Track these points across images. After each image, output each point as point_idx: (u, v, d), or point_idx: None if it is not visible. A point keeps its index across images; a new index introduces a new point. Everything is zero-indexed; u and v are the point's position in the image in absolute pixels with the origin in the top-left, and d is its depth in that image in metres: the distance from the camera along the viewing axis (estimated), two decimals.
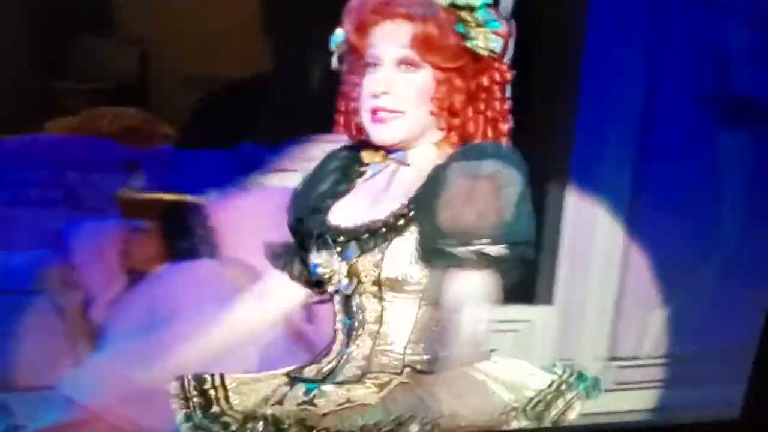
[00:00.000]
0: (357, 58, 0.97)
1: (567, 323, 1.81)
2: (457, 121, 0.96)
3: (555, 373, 1.00)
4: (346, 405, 0.94)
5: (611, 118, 1.80)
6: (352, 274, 0.95)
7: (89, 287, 1.04)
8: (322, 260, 0.98)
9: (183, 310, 1.31)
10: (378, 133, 0.96)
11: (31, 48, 1.35)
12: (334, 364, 0.99)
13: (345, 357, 0.98)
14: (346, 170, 1.03)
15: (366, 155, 1.00)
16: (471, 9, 0.95)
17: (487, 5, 0.96)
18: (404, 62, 0.94)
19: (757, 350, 1.49)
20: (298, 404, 0.94)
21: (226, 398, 0.97)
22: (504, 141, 0.99)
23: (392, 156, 0.98)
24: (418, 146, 0.98)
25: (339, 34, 0.99)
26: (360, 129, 1.00)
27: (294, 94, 1.11)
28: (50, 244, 1.39)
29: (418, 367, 0.96)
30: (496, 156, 0.95)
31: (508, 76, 0.98)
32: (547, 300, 1.81)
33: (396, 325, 0.97)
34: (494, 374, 0.96)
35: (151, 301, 1.41)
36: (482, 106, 0.97)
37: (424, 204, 0.94)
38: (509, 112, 0.99)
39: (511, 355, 1.01)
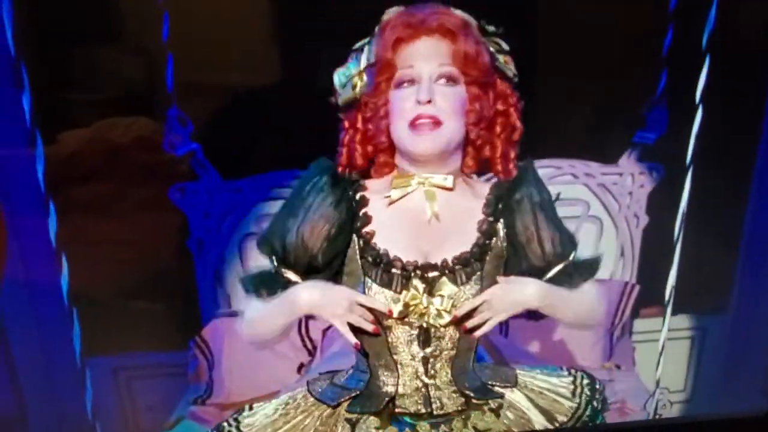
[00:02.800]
0: (384, 78, 0.95)
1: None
2: (481, 140, 0.98)
3: (568, 381, 1.09)
4: None
5: None
6: (444, 309, 0.96)
7: None
8: (409, 298, 0.95)
9: None
10: (420, 143, 0.94)
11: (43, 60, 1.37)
12: (422, 394, 0.99)
13: (431, 386, 1.00)
14: (350, 199, 0.99)
15: (396, 181, 0.98)
16: (494, 35, 0.97)
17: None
18: (443, 77, 0.94)
19: None
20: None
21: None
22: (512, 166, 1.00)
23: (434, 179, 0.97)
24: (447, 170, 0.98)
25: (350, 68, 0.97)
26: (367, 158, 0.99)
27: (302, 108, 1.14)
28: None
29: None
30: (534, 174, 1.02)
31: (520, 105, 0.99)
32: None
33: (465, 347, 1.00)
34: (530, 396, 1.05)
35: None
36: (498, 130, 0.99)
37: (520, 234, 0.98)
38: (520, 130, 0.99)
39: None
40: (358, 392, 1.01)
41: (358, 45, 0.98)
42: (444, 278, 0.96)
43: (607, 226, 1.69)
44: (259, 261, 1.01)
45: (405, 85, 0.94)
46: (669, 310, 1.70)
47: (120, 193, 1.47)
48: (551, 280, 1.00)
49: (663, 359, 1.72)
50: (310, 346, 1.62)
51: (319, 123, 1.03)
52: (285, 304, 0.97)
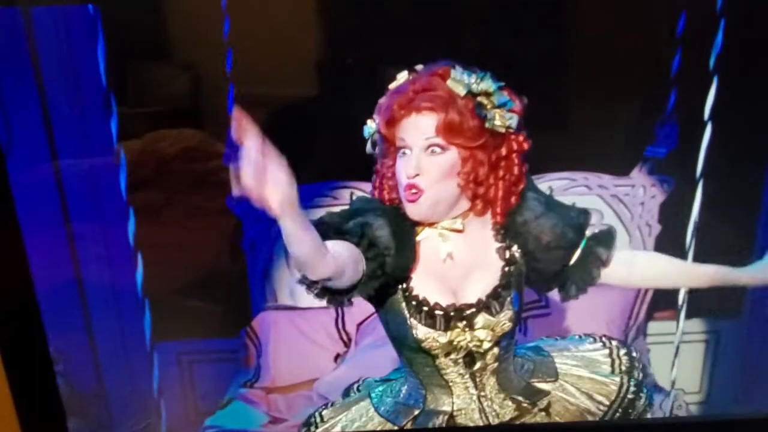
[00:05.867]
0: (389, 145, 1.07)
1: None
2: (481, 190, 1.05)
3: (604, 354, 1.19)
4: None
5: None
6: (486, 339, 1.06)
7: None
8: (453, 336, 1.06)
9: None
10: (413, 210, 1.05)
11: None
12: (477, 407, 1.10)
13: (483, 398, 1.10)
14: (400, 227, 1.06)
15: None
16: (487, 94, 1.04)
17: (500, 88, 1.04)
18: (432, 146, 1.02)
19: None
20: None
21: None
22: (515, 199, 1.08)
23: (445, 223, 1.06)
24: (454, 214, 1.06)
25: (371, 125, 1.08)
26: (392, 198, 1.09)
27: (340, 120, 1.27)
28: None
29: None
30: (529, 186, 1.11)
31: (526, 145, 1.06)
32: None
33: (505, 356, 1.12)
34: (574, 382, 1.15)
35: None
36: (501, 173, 1.06)
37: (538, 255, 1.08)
38: (524, 176, 1.08)
39: None
40: (418, 410, 1.12)
41: None
42: (482, 313, 1.06)
43: (620, 234, 1.78)
44: None
45: (403, 154, 1.05)
46: (682, 314, 1.79)
47: (184, 199, 1.68)
48: (577, 266, 1.10)
49: (678, 362, 1.80)
50: (345, 339, 1.80)
51: (358, 139, 1.20)
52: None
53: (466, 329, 1.06)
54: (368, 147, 1.11)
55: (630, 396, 1.14)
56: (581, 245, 1.10)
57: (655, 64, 1.71)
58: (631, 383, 1.15)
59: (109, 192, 1.63)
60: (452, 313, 1.06)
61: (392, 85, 1.08)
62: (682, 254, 1.74)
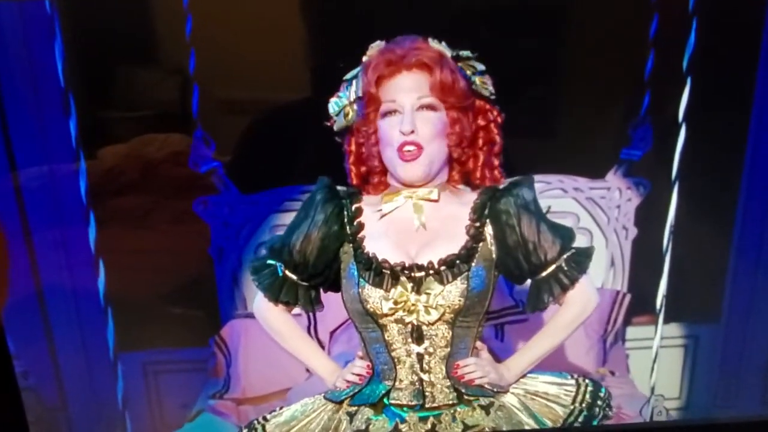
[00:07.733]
0: (370, 111, 1.07)
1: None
2: (464, 157, 1.10)
3: (570, 387, 1.16)
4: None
5: None
6: (431, 306, 1.06)
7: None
8: (397, 295, 1.05)
9: None
10: (407, 170, 1.06)
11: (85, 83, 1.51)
12: (416, 388, 1.09)
13: (425, 382, 1.09)
14: (343, 211, 1.11)
15: (386, 197, 1.10)
16: (469, 59, 1.10)
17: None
18: (424, 107, 1.05)
19: None
20: None
21: None
22: (497, 173, 1.12)
23: (420, 192, 1.08)
24: (433, 184, 1.09)
25: (340, 100, 1.10)
26: (363, 177, 1.13)
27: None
28: None
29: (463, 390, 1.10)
30: (526, 182, 1.12)
31: (500, 119, 1.12)
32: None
33: (460, 347, 1.10)
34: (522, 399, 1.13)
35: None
36: (480, 143, 1.11)
37: (505, 242, 1.07)
38: (501, 151, 1.12)
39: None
40: (359, 389, 1.13)
41: (349, 75, 1.11)
42: (430, 278, 1.06)
43: (596, 238, 1.78)
44: None
45: (390, 115, 1.06)
46: (660, 318, 1.78)
47: (151, 205, 1.64)
48: (543, 281, 1.09)
49: (657, 367, 1.79)
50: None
51: (324, 141, 1.18)
52: (304, 357, 1.18)
53: (412, 291, 1.05)
54: (338, 121, 1.11)
55: (576, 425, 1.13)
56: (554, 266, 1.09)
57: (628, 66, 1.71)
58: (581, 416, 1.14)
59: (70, 197, 1.58)
60: (400, 272, 1.06)
61: (370, 52, 1.08)
62: (659, 257, 1.74)
